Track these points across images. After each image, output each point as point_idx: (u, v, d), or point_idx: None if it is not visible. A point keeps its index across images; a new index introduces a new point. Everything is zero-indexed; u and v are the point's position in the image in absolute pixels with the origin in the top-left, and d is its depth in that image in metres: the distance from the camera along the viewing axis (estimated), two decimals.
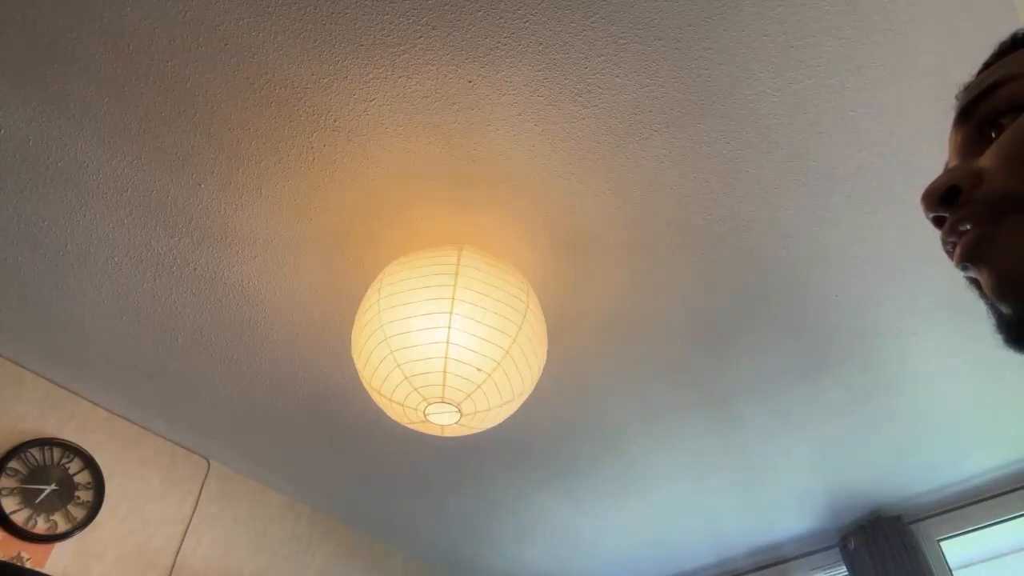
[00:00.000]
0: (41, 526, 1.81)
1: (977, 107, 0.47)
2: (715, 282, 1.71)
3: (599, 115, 1.36)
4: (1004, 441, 2.28)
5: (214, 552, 2.19)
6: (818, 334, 1.86)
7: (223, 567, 2.19)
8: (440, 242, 1.59)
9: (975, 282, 0.45)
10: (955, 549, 2.51)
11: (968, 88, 0.50)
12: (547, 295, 1.73)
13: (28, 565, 1.74)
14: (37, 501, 1.82)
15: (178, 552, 2.09)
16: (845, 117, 1.38)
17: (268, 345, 1.86)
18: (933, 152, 1.43)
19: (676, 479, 2.41)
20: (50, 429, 1.93)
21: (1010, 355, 0.45)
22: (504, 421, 1.56)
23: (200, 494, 2.23)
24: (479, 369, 1.34)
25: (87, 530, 1.89)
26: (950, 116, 0.51)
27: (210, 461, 2.30)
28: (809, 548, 2.79)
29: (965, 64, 1.28)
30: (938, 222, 0.47)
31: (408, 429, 2.06)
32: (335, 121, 1.37)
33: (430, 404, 1.35)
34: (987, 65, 0.50)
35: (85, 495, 1.92)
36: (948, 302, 1.76)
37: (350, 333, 1.79)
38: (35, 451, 1.86)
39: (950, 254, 0.45)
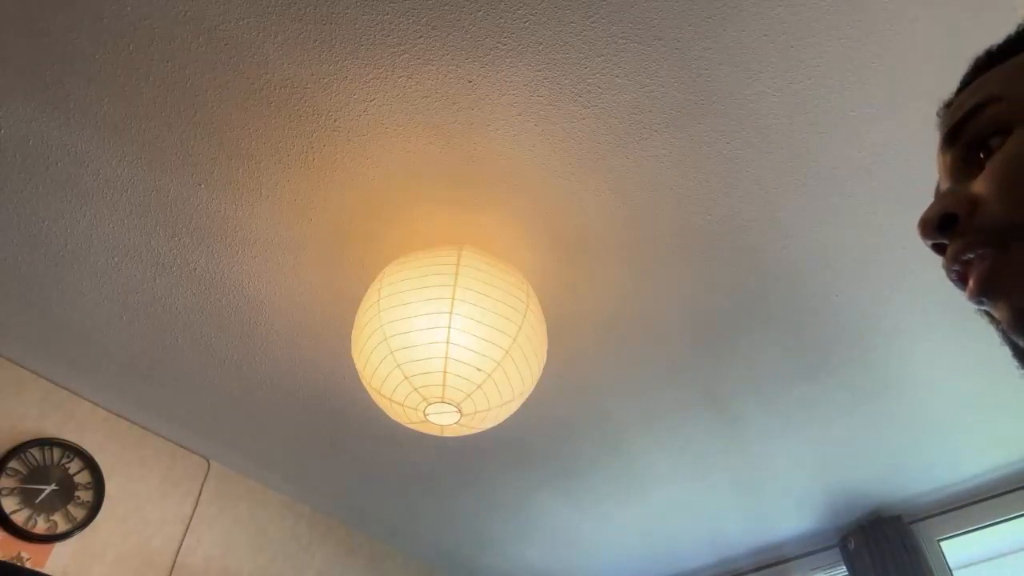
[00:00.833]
0: (41, 526, 1.81)
1: (963, 130, 0.48)
2: (715, 282, 1.71)
3: (599, 115, 1.36)
4: (1004, 441, 2.28)
5: (214, 552, 2.19)
6: (818, 334, 1.86)
7: (223, 567, 2.19)
8: (440, 242, 1.59)
9: (989, 314, 0.45)
10: (955, 549, 2.50)
11: (951, 109, 0.50)
12: (547, 295, 1.73)
13: (28, 565, 1.74)
14: (37, 501, 1.82)
15: (178, 552, 2.09)
16: (845, 117, 1.38)
17: (268, 345, 1.86)
18: (933, 152, 1.43)
19: (676, 479, 2.41)
20: (50, 429, 1.93)
21: (1010, 355, 0.46)
22: (504, 421, 1.56)
23: (200, 494, 2.23)
24: (479, 369, 1.34)
25: (87, 530, 1.89)
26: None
27: (210, 461, 2.30)
28: (809, 548, 2.79)
29: (966, 63, 1.28)
30: (937, 249, 0.47)
31: (408, 429, 2.06)
32: (335, 121, 1.37)
33: (430, 404, 1.35)
34: (965, 83, 0.50)
35: (85, 495, 1.92)
36: (948, 302, 1.76)
37: (350, 333, 1.79)
38: (35, 451, 1.86)
39: (956, 283, 0.45)
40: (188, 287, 1.70)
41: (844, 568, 2.61)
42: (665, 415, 2.13)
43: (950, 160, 0.49)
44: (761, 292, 1.74)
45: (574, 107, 1.35)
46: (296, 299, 1.74)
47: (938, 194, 0.50)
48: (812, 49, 1.27)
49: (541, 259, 1.65)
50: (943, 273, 0.46)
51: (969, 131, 0.47)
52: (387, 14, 1.21)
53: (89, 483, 1.94)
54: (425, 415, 1.38)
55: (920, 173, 1.48)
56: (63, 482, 1.89)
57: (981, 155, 0.46)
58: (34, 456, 1.86)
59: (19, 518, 1.77)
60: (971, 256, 0.43)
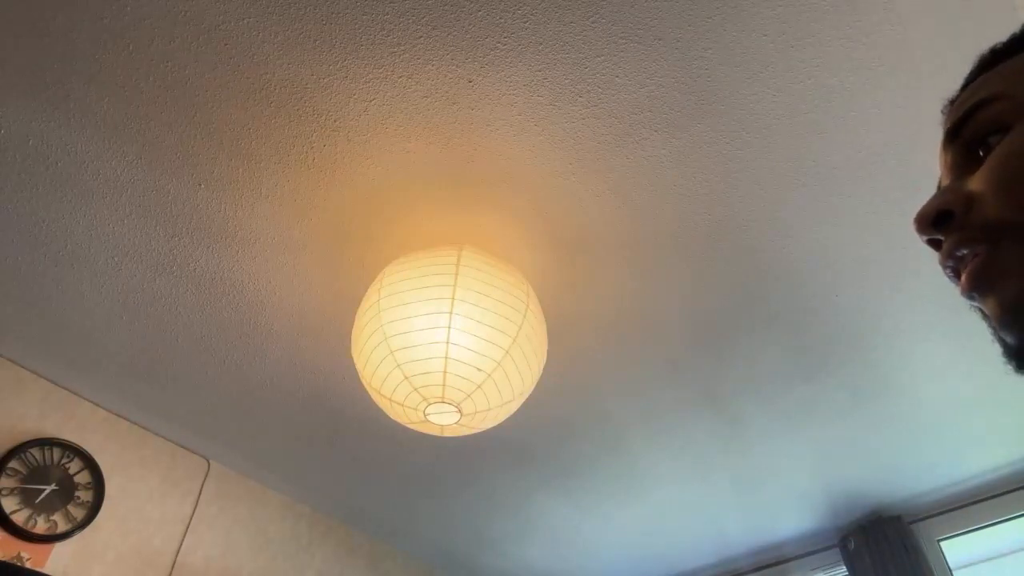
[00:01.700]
0: (41, 526, 1.81)
1: (964, 127, 0.48)
2: (715, 282, 1.71)
3: (599, 115, 1.36)
4: (1004, 441, 2.28)
5: (214, 552, 2.19)
6: (818, 334, 1.86)
7: (223, 567, 2.19)
8: (440, 242, 1.59)
9: (981, 311, 0.45)
10: (955, 549, 2.51)
11: (954, 106, 0.51)
12: (547, 295, 1.73)
13: (28, 565, 1.74)
14: (37, 501, 1.82)
15: (178, 552, 2.09)
16: (845, 117, 1.38)
17: (268, 345, 1.86)
18: (933, 152, 1.43)
19: (676, 479, 2.41)
20: (50, 429, 1.93)
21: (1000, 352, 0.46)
22: (504, 421, 1.56)
23: (200, 494, 2.23)
24: (479, 369, 1.34)
25: (87, 530, 1.89)
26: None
27: (210, 461, 2.30)
28: (809, 548, 2.79)
29: (966, 63, 1.28)
30: (933, 244, 0.47)
31: (408, 429, 2.06)
32: (335, 121, 1.37)
33: (430, 404, 1.35)
34: (969, 80, 0.51)
35: (85, 495, 1.92)
36: (948, 302, 1.76)
37: (350, 333, 1.79)
38: (35, 451, 1.86)
39: (951, 278, 0.46)
40: (188, 287, 1.70)
41: (844, 568, 2.61)
42: (665, 415, 2.13)
43: (951, 157, 0.49)
44: (761, 292, 1.74)
45: (574, 107, 1.35)
46: (296, 299, 1.74)
47: (938, 190, 0.50)
48: (812, 49, 1.27)
49: (541, 259, 1.65)
50: (943, 273, 0.47)
51: (970, 128, 0.47)
52: (387, 14, 1.21)
53: (89, 483, 1.94)
54: (425, 415, 1.38)
55: (920, 173, 1.48)
56: (63, 482, 1.89)
57: (981, 152, 0.46)
58: (34, 456, 1.86)
59: (19, 518, 1.77)
60: (964, 252, 0.44)
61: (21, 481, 1.81)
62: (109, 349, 1.88)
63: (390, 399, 1.39)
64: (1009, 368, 0.44)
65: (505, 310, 1.38)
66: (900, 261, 1.66)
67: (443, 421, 1.40)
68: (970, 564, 2.57)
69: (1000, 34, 0.50)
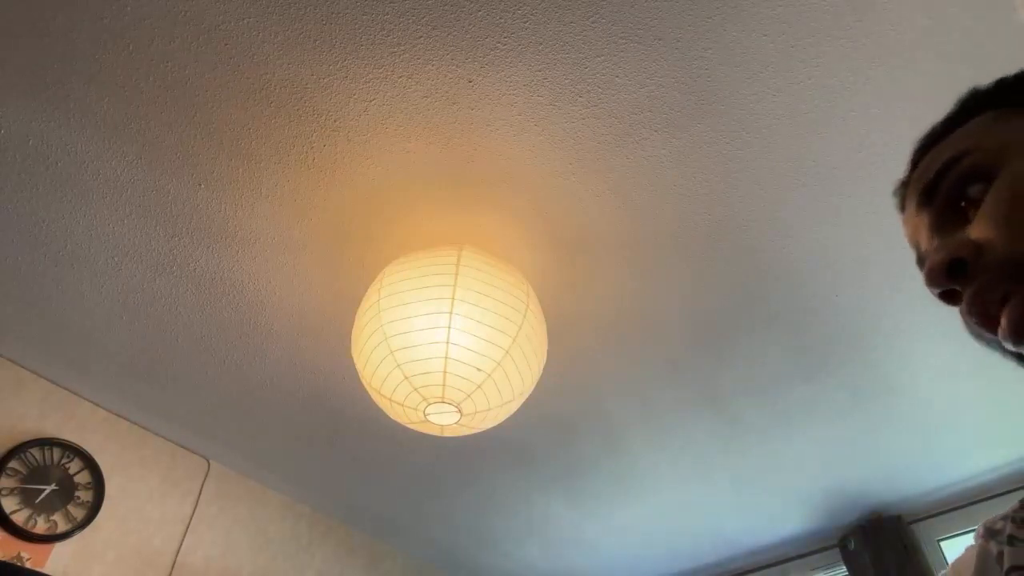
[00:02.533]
0: (41, 526, 1.81)
1: (939, 185, 0.47)
2: (715, 282, 1.71)
3: (599, 115, 1.36)
4: (1004, 441, 2.28)
5: (214, 552, 2.19)
6: (818, 334, 1.86)
7: (223, 567, 2.19)
8: (440, 242, 1.59)
9: (1020, 356, 0.44)
10: (955, 549, 2.50)
11: (918, 172, 0.51)
12: (547, 295, 1.73)
13: (28, 565, 1.74)
14: (37, 501, 1.82)
15: (178, 552, 2.09)
16: (845, 117, 1.38)
17: (268, 345, 1.86)
18: None
19: (677, 479, 2.41)
20: (50, 429, 1.93)
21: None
22: (504, 421, 1.55)
23: (200, 494, 2.23)
24: (479, 369, 1.34)
25: (87, 530, 1.89)
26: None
27: (210, 461, 2.30)
28: (809, 548, 2.79)
29: (965, 63, 1.28)
30: (946, 297, 0.45)
31: (408, 429, 2.06)
32: (335, 121, 1.37)
33: (430, 404, 1.35)
34: (924, 148, 0.51)
35: (85, 495, 1.92)
36: None
37: (350, 333, 1.79)
38: (35, 451, 1.86)
39: (979, 327, 0.43)
40: (188, 287, 1.70)
41: (844, 568, 2.61)
42: (665, 415, 2.13)
43: (930, 218, 0.49)
44: (761, 292, 1.74)
45: (574, 107, 1.35)
46: (296, 299, 1.74)
47: (926, 253, 0.49)
48: (812, 49, 1.27)
49: (541, 259, 1.65)
50: (966, 324, 0.45)
51: (946, 184, 0.47)
52: (387, 14, 1.21)
53: (89, 483, 1.94)
54: (425, 415, 1.38)
55: None
56: (63, 482, 1.89)
57: (963, 204, 0.46)
58: (34, 456, 1.86)
59: (19, 518, 1.77)
60: (993, 296, 0.42)
61: (21, 481, 1.81)
62: (109, 349, 1.88)
63: (390, 399, 1.39)
64: None
65: (505, 310, 1.38)
66: (900, 261, 1.66)
67: (443, 421, 1.40)
68: None
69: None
